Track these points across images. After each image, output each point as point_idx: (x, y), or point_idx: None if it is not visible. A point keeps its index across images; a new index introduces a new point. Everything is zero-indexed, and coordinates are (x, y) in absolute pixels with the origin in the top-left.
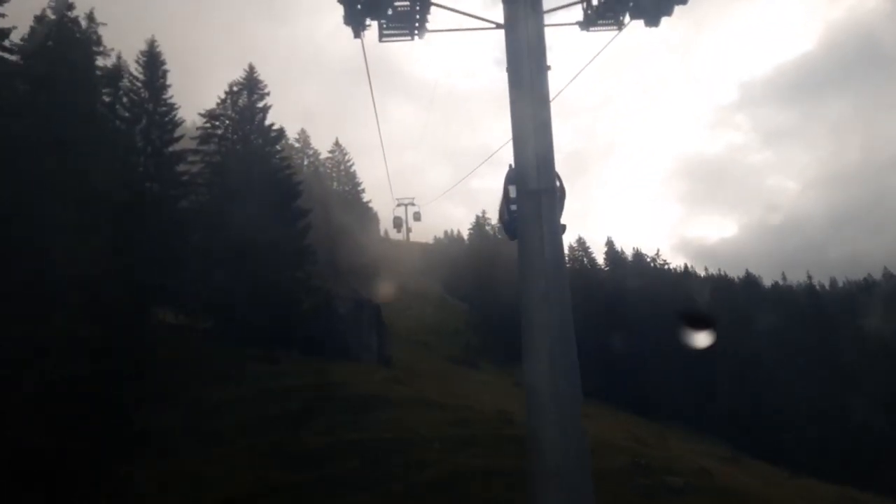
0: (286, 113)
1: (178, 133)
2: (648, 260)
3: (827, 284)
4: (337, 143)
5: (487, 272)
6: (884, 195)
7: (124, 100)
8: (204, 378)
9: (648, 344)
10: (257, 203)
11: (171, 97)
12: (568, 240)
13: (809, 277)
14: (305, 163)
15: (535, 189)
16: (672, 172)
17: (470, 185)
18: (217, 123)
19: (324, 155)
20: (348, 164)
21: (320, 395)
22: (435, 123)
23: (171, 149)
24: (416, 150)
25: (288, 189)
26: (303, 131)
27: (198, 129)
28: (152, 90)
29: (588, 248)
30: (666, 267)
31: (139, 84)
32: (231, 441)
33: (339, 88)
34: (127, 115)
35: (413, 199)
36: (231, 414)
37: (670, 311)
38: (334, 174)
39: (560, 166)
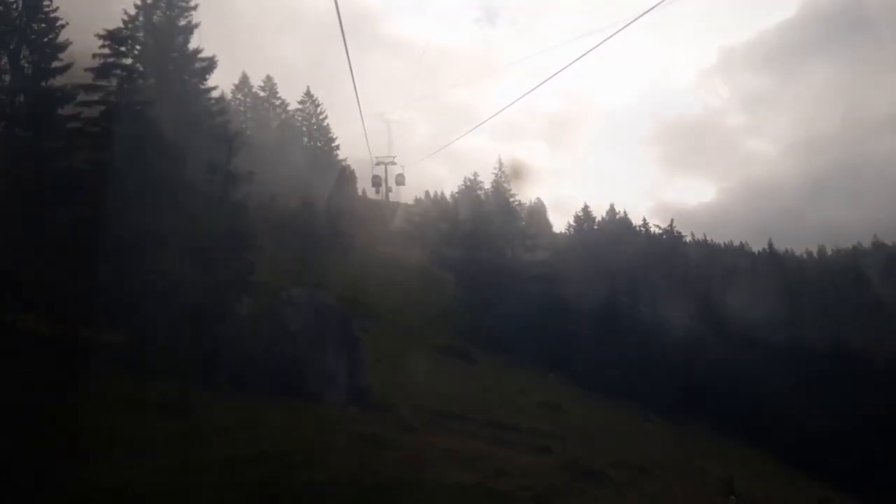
0: (256, 67)
1: (64, 62)
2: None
3: (815, 252)
4: (308, 94)
5: (476, 241)
6: (862, 163)
7: None
8: (70, 445)
9: None
10: (175, 162)
11: (54, 9)
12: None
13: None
14: (271, 115)
15: None
16: (650, 135)
17: (451, 143)
18: (122, 49)
19: (293, 107)
20: (321, 116)
21: (255, 482)
22: (416, 81)
23: (51, 83)
24: (398, 108)
25: (222, 142)
26: (268, 78)
27: (94, 56)
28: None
29: (593, 216)
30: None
31: None
32: None
33: (318, 46)
34: None
35: (394, 157)
36: None
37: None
38: (304, 128)
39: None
